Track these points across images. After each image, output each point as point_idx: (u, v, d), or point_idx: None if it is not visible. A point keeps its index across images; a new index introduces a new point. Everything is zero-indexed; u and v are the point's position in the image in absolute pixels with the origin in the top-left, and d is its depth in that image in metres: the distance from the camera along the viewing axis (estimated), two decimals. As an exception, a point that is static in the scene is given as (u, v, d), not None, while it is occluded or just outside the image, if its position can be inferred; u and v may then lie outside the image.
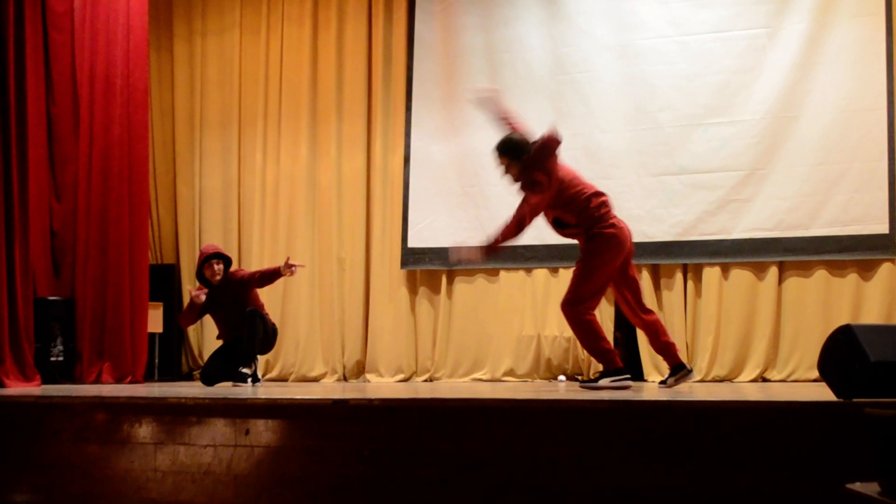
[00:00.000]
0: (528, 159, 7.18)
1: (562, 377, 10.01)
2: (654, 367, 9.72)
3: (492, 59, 10.58)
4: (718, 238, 9.67)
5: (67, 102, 9.84)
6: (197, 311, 9.04)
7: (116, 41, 9.81)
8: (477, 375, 10.33)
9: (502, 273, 10.39)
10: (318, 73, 11.22)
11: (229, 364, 8.75)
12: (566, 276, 10.08)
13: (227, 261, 9.00)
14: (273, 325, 9.03)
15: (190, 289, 9.37)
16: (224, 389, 7.76)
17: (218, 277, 8.89)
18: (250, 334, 8.68)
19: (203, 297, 8.92)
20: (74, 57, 9.85)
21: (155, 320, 10.39)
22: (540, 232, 10.10)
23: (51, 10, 9.72)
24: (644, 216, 9.83)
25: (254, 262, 10.86)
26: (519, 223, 7.11)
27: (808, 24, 9.56)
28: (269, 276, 8.90)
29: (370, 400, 5.48)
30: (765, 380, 9.51)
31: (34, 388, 8.25)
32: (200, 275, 8.97)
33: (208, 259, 8.90)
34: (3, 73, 8.72)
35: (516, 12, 10.53)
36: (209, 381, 8.84)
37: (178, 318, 9.22)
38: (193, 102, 11.68)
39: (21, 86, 8.96)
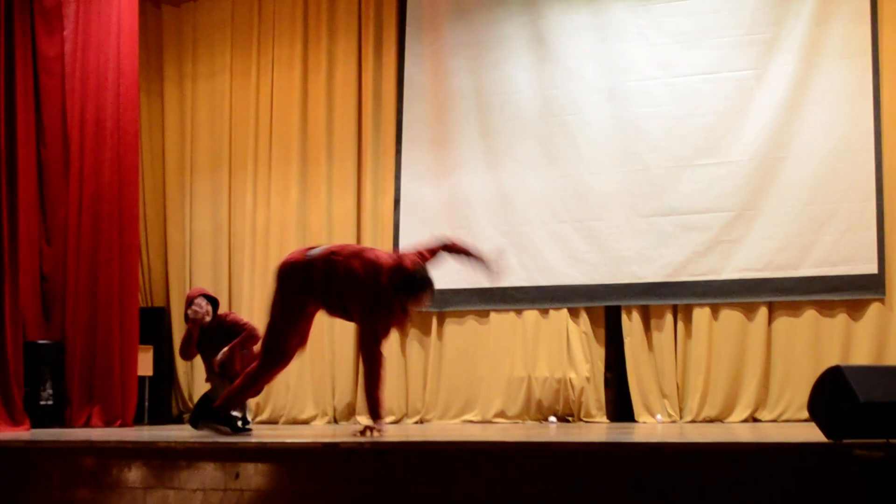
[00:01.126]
0: None
1: (552, 418, 9.99)
2: (644, 407, 9.72)
3: (481, 101, 10.62)
4: (708, 279, 9.68)
5: (58, 146, 9.85)
6: (195, 343, 8.99)
7: (107, 85, 9.83)
8: (468, 417, 10.31)
9: (493, 314, 10.39)
10: (308, 115, 11.25)
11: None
12: (556, 317, 10.12)
13: (214, 303, 8.95)
14: None
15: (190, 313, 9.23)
16: (213, 433, 7.73)
17: (208, 318, 8.84)
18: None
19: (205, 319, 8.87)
20: (65, 101, 9.87)
21: (145, 363, 10.36)
22: (529, 273, 10.20)
23: (41, 55, 9.75)
24: (634, 257, 9.86)
25: (244, 306, 10.84)
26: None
27: (795, 65, 9.61)
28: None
29: (360, 443, 5.47)
30: (755, 420, 9.50)
31: (23, 433, 8.23)
32: (187, 316, 8.92)
33: (194, 299, 8.75)
34: (-6, 117, 8.77)
35: (505, 55, 10.57)
36: (198, 424, 8.80)
37: (179, 352, 9.12)
38: (184, 146, 11.70)
39: (11, 129, 9.00)
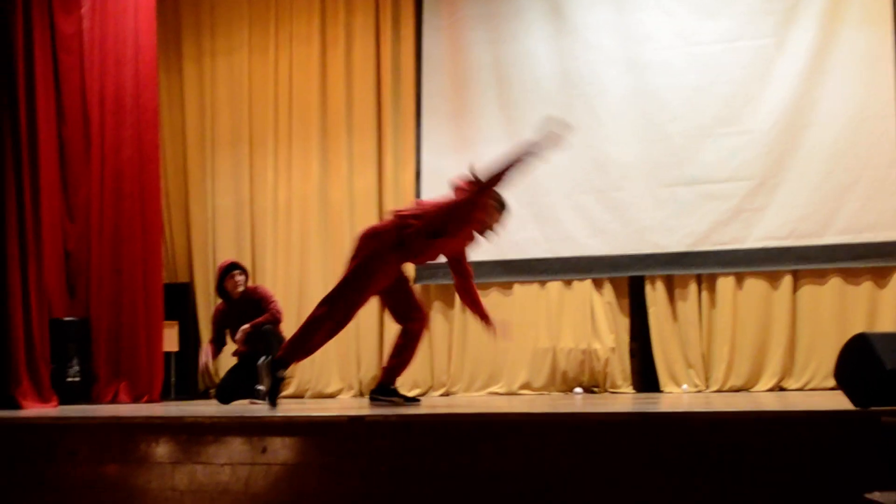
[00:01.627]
0: None
1: (578, 389, 10.00)
2: (669, 377, 9.72)
3: (500, 73, 10.60)
4: (732, 248, 9.66)
5: (78, 124, 9.87)
6: (216, 341, 9.10)
7: (126, 62, 9.84)
8: (493, 389, 10.33)
9: (516, 286, 10.39)
10: (327, 90, 11.25)
11: (245, 381, 8.75)
12: (580, 288, 10.12)
13: (245, 274, 9.06)
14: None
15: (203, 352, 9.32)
16: (240, 407, 7.76)
17: (240, 289, 8.94)
18: (266, 352, 8.69)
19: (209, 359, 9.03)
20: (84, 79, 9.88)
21: (170, 339, 10.41)
22: (552, 245, 10.19)
23: (59, 33, 9.75)
24: (656, 227, 9.84)
25: (268, 280, 10.87)
26: None
27: (814, 32, 9.57)
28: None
29: (386, 416, 5.48)
30: (782, 389, 9.49)
31: (51, 410, 8.27)
32: (221, 288, 9.02)
33: (230, 270, 8.98)
34: (14, 96, 8.78)
35: (523, 27, 10.54)
36: (225, 398, 8.85)
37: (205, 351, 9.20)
38: (204, 122, 11.71)
39: (32, 108, 9.00)
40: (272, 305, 8.96)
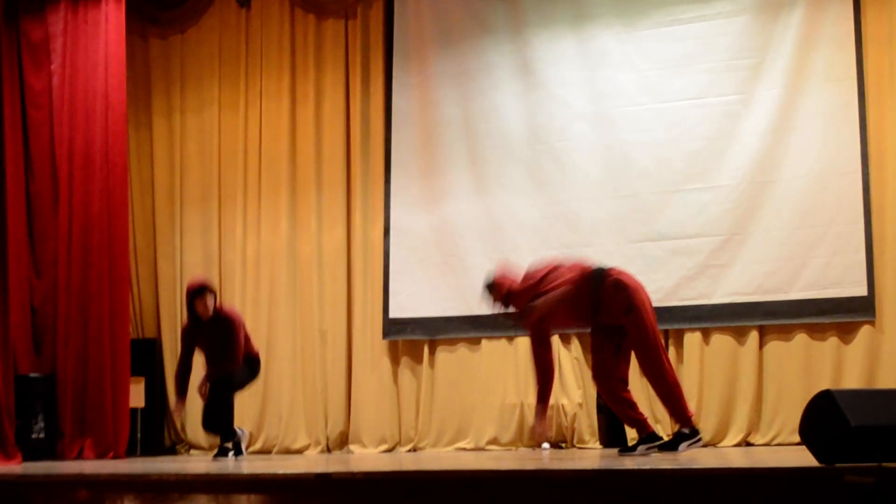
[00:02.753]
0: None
1: (546, 445, 9.98)
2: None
3: (469, 128, 10.65)
4: (698, 303, 9.69)
5: (46, 179, 9.87)
6: (182, 370, 9.10)
7: (95, 118, 9.85)
8: (461, 444, 10.30)
9: (484, 342, 10.39)
10: (296, 146, 11.27)
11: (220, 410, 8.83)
12: (547, 344, 10.08)
13: (215, 295, 9.10)
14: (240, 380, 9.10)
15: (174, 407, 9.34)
16: (205, 464, 7.72)
17: (210, 311, 8.95)
18: (219, 409, 8.74)
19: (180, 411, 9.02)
20: (53, 134, 9.89)
21: (137, 395, 10.35)
22: (520, 300, 10.17)
23: (29, 88, 9.78)
24: (623, 283, 9.87)
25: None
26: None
27: (780, 89, 9.66)
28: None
29: (353, 473, 5.47)
30: (749, 444, 9.50)
31: (15, 466, 8.21)
32: (191, 309, 9.01)
33: (200, 293, 8.95)
34: (-17, 152, 8.79)
35: (492, 83, 10.61)
36: (211, 427, 8.88)
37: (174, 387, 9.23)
38: (173, 177, 11.69)
39: (0, 163, 9.00)
40: (234, 347, 8.92)
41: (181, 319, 11.15)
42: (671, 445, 7.38)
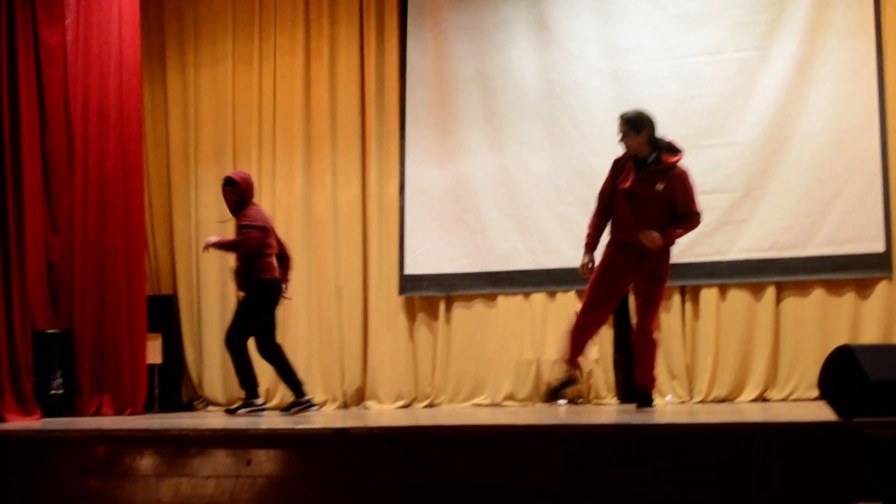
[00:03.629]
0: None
1: (562, 401, 9.99)
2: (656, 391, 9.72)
3: (484, 85, 10.61)
4: (715, 259, 9.68)
5: (62, 136, 9.85)
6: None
7: (109, 74, 9.82)
8: (477, 400, 10.33)
9: (500, 298, 10.39)
10: (311, 102, 11.24)
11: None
12: (563, 300, 10.11)
13: (240, 192, 8.88)
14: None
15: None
16: (223, 420, 7.75)
17: (231, 207, 8.93)
18: (239, 368, 8.75)
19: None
20: (68, 91, 9.86)
21: (154, 351, 10.39)
22: (537, 257, 10.20)
23: (43, 44, 9.74)
24: (640, 239, 9.85)
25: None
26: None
27: (798, 45, 9.60)
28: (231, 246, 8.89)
29: (370, 428, 5.49)
30: (765, 399, 9.51)
31: (34, 422, 8.25)
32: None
33: (224, 183, 8.96)
34: (-2, 108, 8.77)
35: (508, 38, 10.56)
36: (234, 346, 8.83)
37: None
38: (188, 134, 11.68)
39: (15, 120, 8.99)
40: (242, 230, 8.79)
41: (197, 275, 11.23)
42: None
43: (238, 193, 8.82)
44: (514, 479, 5.00)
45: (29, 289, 9.07)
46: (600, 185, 10.00)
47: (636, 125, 7.70)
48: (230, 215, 9.00)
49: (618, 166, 7.86)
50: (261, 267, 8.77)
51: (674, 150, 7.71)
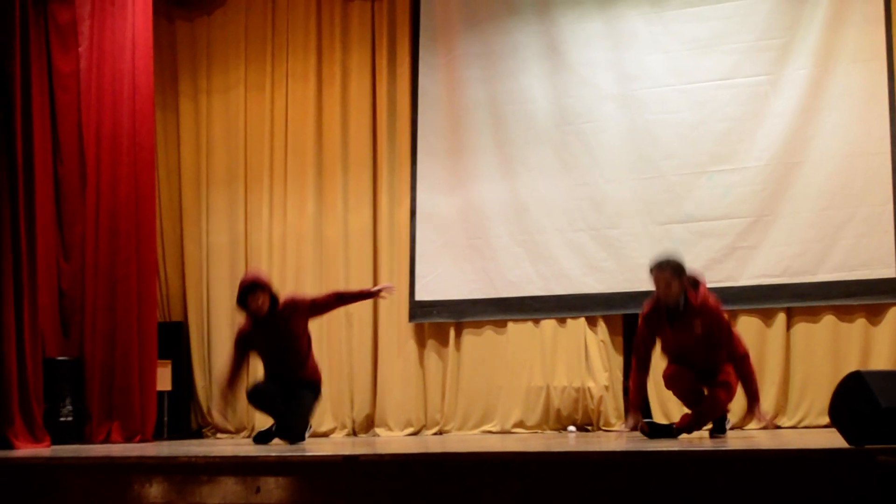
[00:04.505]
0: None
1: (571, 428, 9.98)
2: (663, 415, 9.67)
3: (496, 111, 10.63)
4: (726, 285, 9.62)
5: (74, 162, 9.90)
6: (237, 369, 8.49)
7: (122, 101, 9.87)
8: (487, 427, 10.30)
9: (510, 324, 10.38)
10: (323, 128, 11.26)
11: (277, 399, 8.31)
12: (574, 326, 10.10)
13: (269, 289, 8.33)
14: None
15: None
16: (232, 447, 7.74)
17: (265, 307, 8.24)
18: (298, 412, 8.40)
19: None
20: (81, 117, 9.92)
21: (164, 378, 10.38)
22: (547, 282, 10.19)
23: (57, 71, 9.80)
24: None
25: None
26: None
27: (809, 69, 9.60)
28: (329, 304, 8.67)
29: (380, 455, 5.47)
30: (776, 426, 9.46)
31: (43, 449, 8.25)
32: (243, 303, 8.27)
33: (252, 290, 8.21)
34: (11, 134, 8.78)
35: (519, 64, 10.58)
36: (258, 401, 8.51)
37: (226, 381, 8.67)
38: (199, 160, 11.71)
39: (28, 146, 9.02)
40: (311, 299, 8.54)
41: (208, 302, 11.21)
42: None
43: (268, 291, 8.29)
44: (524, 506, 4.98)
45: (40, 316, 9.08)
46: (612, 210, 10.05)
47: (679, 271, 7.55)
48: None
49: (650, 322, 7.65)
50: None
51: (695, 283, 7.61)
